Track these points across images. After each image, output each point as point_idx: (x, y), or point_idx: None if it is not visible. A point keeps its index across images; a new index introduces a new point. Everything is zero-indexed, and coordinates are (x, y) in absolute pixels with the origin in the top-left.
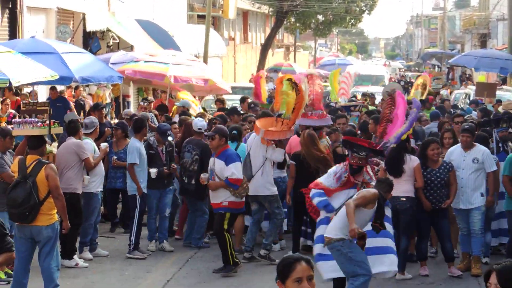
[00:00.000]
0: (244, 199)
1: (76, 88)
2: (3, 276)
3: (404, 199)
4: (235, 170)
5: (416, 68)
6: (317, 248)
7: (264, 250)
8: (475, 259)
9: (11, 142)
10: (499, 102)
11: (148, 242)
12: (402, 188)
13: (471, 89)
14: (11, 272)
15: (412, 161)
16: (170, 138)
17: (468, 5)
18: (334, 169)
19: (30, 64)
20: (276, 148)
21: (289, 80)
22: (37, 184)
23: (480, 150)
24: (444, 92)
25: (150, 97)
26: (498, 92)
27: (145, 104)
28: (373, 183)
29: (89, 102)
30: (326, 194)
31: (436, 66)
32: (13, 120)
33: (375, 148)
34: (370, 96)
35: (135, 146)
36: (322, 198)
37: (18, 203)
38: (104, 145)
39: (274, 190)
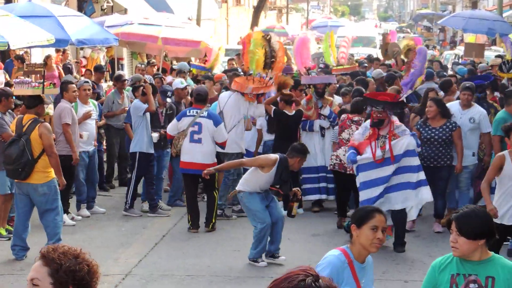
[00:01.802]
0: None
1: (64, 52)
2: (4, 233)
3: None
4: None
5: (408, 30)
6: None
7: (219, 210)
8: None
9: (11, 102)
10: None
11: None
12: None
13: (460, 50)
14: (12, 229)
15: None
16: (169, 100)
17: None
18: (365, 123)
19: (27, 27)
20: (258, 104)
21: (263, 36)
22: (31, 141)
23: (478, 110)
24: (430, 52)
25: (154, 60)
26: (487, 53)
27: (142, 66)
28: (407, 134)
29: (79, 66)
30: (356, 148)
31: (428, 27)
32: (13, 80)
33: (390, 101)
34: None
35: (133, 106)
36: (348, 153)
37: (12, 160)
38: (86, 109)
39: (240, 149)
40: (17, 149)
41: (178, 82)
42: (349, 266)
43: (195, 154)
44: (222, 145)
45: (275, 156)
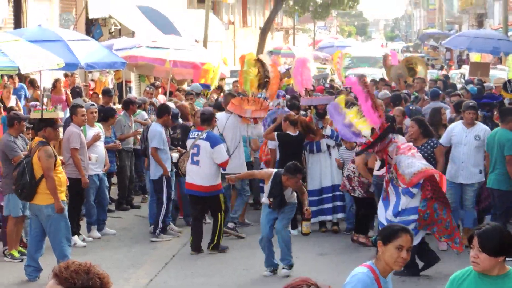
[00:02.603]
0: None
1: (72, 75)
2: (17, 255)
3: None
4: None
5: (415, 49)
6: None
7: (231, 223)
8: (465, 230)
9: (23, 126)
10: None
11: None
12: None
13: (466, 69)
14: (25, 251)
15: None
16: (180, 121)
17: None
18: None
19: (37, 51)
20: (255, 125)
21: (256, 59)
22: (32, 164)
23: (481, 128)
24: (433, 73)
25: (158, 82)
26: (493, 72)
27: (151, 89)
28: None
29: (87, 89)
30: None
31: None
32: (30, 103)
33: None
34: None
35: (158, 131)
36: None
37: (15, 181)
38: (95, 131)
39: (243, 169)
40: (19, 171)
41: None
42: (376, 282)
43: (194, 175)
44: (222, 166)
45: (273, 170)
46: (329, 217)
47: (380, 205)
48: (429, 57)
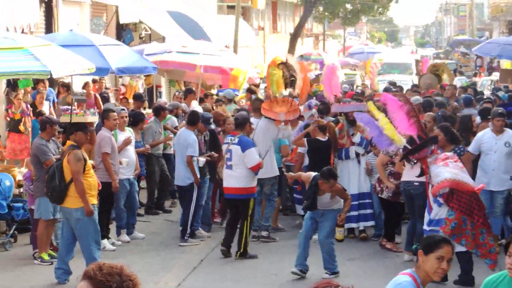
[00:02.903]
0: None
1: (99, 80)
2: (47, 258)
3: (418, 183)
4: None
5: (445, 56)
6: None
7: (265, 232)
8: (494, 237)
9: (55, 130)
10: None
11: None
12: (416, 172)
13: (496, 76)
14: (55, 254)
15: None
16: (212, 127)
17: None
18: None
19: (69, 56)
20: (286, 126)
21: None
22: (63, 167)
23: (511, 134)
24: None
25: (193, 88)
26: None
27: (180, 94)
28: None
29: (118, 93)
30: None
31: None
32: (61, 107)
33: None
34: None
35: (194, 139)
36: None
37: (45, 184)
38: (126, 135)
39: (276, 172)
40: (49, 174)
41: None
42: None
43: (229, 179)
44: (253, 169)
45: (312, 173)
46: (353, 225)
47: (426, 214)
48: (460, 64)
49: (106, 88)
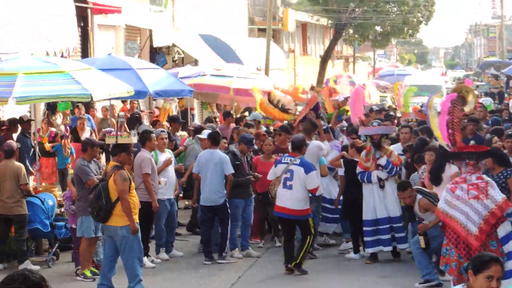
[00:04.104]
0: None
1: (130, 102)
2: (89, 274)
3: None
4: None
5: (475, 77)
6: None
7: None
8: None
9: (96, 152)
10: None
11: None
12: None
13: None
14: (97, 271)
15: (450, 169)
16: (255, 147)
17: None
18: None
19: (108, 79)
20: (322, 143)
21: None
22: (108, 187)
23: None
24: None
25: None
26: None
27: (212, 116)
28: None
29: (152, 116)
30: None
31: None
32: (104, 130)
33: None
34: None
35: (228, 158)
36: None
37: (90, 203)
38: (166, 156)
39: (321, 191)
40: (95, 194)
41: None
42: None
43: (286, 199)
44: (313, 191)
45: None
46: (386, 248)
47: None
48: (490, 86)
49: (141, 111)
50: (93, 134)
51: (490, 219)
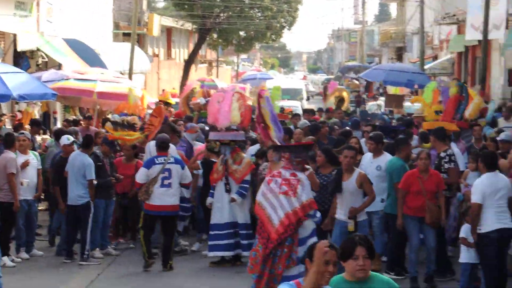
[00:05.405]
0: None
1: None
2: None
3: None
4: None
5: (336, 81)
6: None
7: None
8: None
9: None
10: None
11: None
12: None
13: (382, 101)
14: None
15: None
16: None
17: (389, 18)
18: None
19: None
20: None
21: None
22: None
23: (384, 159)
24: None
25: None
26: (408, 104)
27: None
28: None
29: (14, 119)
30: None
31: (356, 79)
32: None
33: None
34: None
35: (90, 162)
36: None
37: None
38: (24, 158)
39: None
40: None
41: (65, 139)
42: None
43: (167, 197)
44: (187, 185)
45: None
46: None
47: None
48: (350, 89)
49: (3, 114)
50: None
51: (291, 217)
